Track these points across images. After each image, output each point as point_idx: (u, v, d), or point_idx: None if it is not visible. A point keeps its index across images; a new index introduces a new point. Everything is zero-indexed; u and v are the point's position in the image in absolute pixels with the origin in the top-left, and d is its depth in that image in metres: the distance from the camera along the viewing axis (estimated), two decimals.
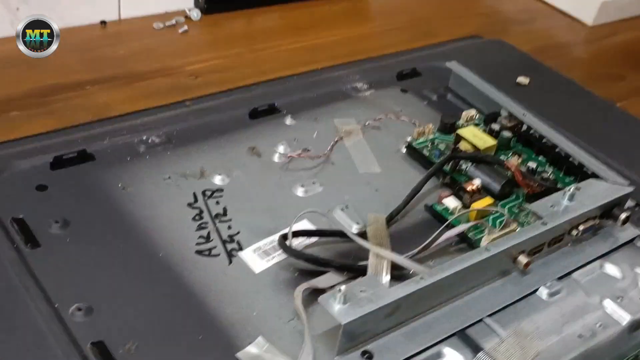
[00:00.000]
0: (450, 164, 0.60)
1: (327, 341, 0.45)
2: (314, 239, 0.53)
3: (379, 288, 0.45)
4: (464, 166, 0.60)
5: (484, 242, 0.52)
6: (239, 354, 0.44)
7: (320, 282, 0.48)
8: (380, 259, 0.50)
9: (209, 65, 0.83)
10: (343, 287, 0.44)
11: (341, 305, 0.43)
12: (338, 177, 0.60)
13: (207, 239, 0.52)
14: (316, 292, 0.48)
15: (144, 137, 0.60)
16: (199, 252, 0.51)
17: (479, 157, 0.60)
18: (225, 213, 0.54)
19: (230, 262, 0.50)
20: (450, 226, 0.53)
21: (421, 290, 0.46)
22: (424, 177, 0.58)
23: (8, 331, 0.42)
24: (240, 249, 0.51)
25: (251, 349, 0.44)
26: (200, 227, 0.53)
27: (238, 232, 0.53)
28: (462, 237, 0.54)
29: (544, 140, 0.63)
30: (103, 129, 0.60)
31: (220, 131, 0.62)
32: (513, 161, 0.60)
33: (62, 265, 0.48)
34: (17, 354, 0.41)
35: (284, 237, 0.50)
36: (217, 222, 0.53)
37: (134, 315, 0.45)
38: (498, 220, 0.55)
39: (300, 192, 0.57)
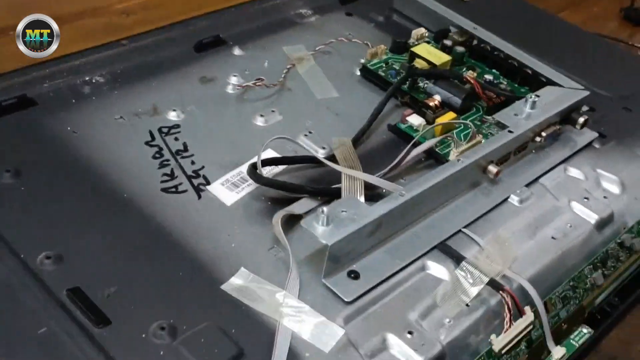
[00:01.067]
0: (408, 82, 0.59)
1: (311, 265, 0.44)
2: (281, 168, 0.51)
3: (360, 207, 0.45)
4: (421, 84, 0.59)
5: (452, 156, 0.52)
6: (223, 286, 0.42)
7: (296, 208, 0.47)
8: (353, 180, 0.49)
9: (139, 3, 0.78)
10: (325, 209, 0.43)
11: (324, 227, 0.42)
12: (296, 104, 0.58)
13: (172, 176, 0.49)
14: (291, 219, 0.47)
15: (87, 78, 0.57)
16: (165, 190, 0.48)
17: (437, 73, 0.59)
18: (186, 148, 0.52)
19: (200, 196, 0.48)
20: (417, 143, 0.52)
21: (401, 206, 0.45)
22: (384, 97, 0.57)
23: None
24: (208, 183, 0.49)
25: (235, 280, 0.43)
26: (162, 165, 0.50)
27: (202, 167, 0.50)
28: (429, 153, 0.54)
29: (496, 53, 0.63)
30: (41, 73, 0.56)
31: (168, 67, 0.60)
32: (471, 74, 0.59)
33: (21, 216, 0.45)
34: None
35: (254, 167, 0.48)
36: (179, 158, 0.51)
37: (107, 259, 0.43)
38: (463, 134, 0.55)
39: (260, 121, 0.55)
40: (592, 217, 0.52)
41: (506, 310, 0.44)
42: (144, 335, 0.39)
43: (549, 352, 0.47)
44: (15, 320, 0.39)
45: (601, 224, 0.52)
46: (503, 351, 0.44)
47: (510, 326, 0.44)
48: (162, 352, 0.38)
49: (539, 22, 0.76)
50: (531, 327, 0.45)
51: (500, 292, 0.45)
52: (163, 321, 0.39)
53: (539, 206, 0.52)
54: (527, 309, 0.45)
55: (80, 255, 0.43)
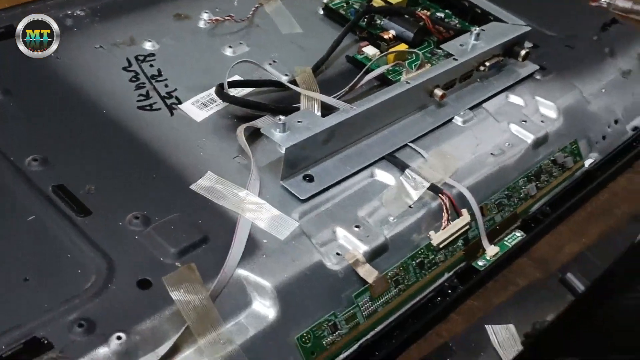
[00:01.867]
0: (366, 18, 0.64)
1: (271, 170, 0.49)
2: (248, 90, 0.56)
3: (314, 118, 0.50)
4: (379, 21, 0.64)
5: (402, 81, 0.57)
6: (192, 186, 0.47)
7: (258, 123, 0.52)
8: (311, 100, 0.54)
9: None
10: (283, 118, 0.48)
11: (282, 133, 0.48)
12: (263, 38, 0.63)
13: (147, 96, 0.55)
14: (256, 135, 0.52)
15: (69, 12, 0.61)
16: (141, 108, 0.53)
17: (392, 10, 0.64)
18: (160, 74, 0.57)
19: (172, 114, 0.53)
20: (370, 70, 0.58)
21: (352, 119, 0.50)
22: (343, 30, 0.62)
23: None
24: (180, 102, 0.54)
25: (203, 181, 0.48)
26: (138, 87, 0.55)
27: (175, 89, 0.56)
28: (383, 80, 0.59)
29: None
30: (27, 8, 0.61)
31: (144, 3, 0.64)
32: (424, 11, 0.64)
33: (10, 126, 0.50)
34: None
35: (221, 86, 0.53)
36: (154, 81, 0.56)
37: (88, 163, 0.48)
38: (414, 64, 0.60)
39: (228, 52, 0.60)
40: (529, 137, 0.58)
41: (444, 211, 0.50)
42: (120, 224, 0.44)
43: (484, 250, 0.53)
44: (6, 212, 0.44)
45: (537, 143, 0.58)
46: (441, 246, 0.50)
47: (448, 224, 0.50)
48: (136, 237, 0.43)
49: None
50: (467, 227, 0.51)
51: (440, 195, 0.50)
52: (138, 212, 0.45)
53: (481, 127, 0.57)
54: (464, 211, 0.51)
55: (64, 158, 0.48)
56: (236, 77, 0.57)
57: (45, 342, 0.37)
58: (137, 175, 0.48)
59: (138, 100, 0.54)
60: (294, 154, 0.48)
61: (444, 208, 0.50)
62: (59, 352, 0.37)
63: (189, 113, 0.54)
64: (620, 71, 0.68)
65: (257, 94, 0.57)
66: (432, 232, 0.50)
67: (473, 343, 0.49)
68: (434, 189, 0.50)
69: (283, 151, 0.47)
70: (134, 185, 0.47)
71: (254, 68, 0.58)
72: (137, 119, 0.52)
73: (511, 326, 0.50)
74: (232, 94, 0.55)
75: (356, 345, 0.45)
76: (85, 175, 0.47)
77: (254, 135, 0.52)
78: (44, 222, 0.43)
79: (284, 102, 0.56)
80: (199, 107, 0.54)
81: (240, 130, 0.51)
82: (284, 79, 0.58)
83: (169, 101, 0.54)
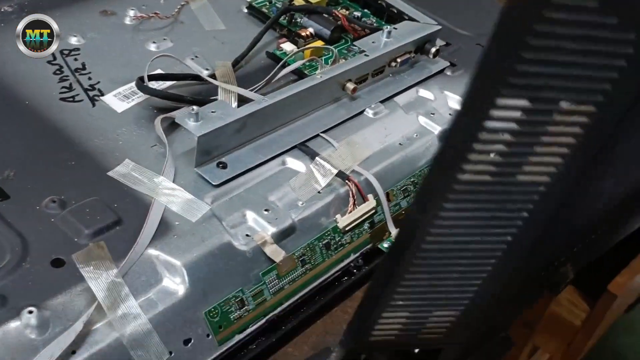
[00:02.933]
0: (286, 17, 0.67)
1: (187, 158, 0.52)
2: (170, 83, 0.59)
3: (227, 109, 0.53)
4: (299, 19, 0.68)
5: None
6: (109, 173, 0.50)
7: (176, 114, 0.55)
8: (228, 93, 0.57)
9: None
10: (196, 107, 0.51)
11: (195, 122, 0.50)
12: (187, 34, 0.66)
13: (70, 88, 0.57)
14: (174, 126, 0.55)
15: None
16: (64, 99, 0.56)
17: (311, 8, 0.68)
18: (84, 67, 0.59)
19: (94, 105, 0.56)
20: (287, 64, 0.61)
21: (264, 110, 0.54)
22: (263, 27, 0.65)
23: None
24: (102, 94, 0.57)
25: (120, 168, 0.50)
26: (61, 80, 0.57)
27: (98, 82, 0.58)
28: (299, 75, 0.62)
29: None
30: None
31: (70, 0, 0.66)
32: (342, 10, 0.68)
33: None
34: None
35: (141, 79, 0.56)
36: (78, 75, 0.58)
37: (8, 149, 0.50)
38: (330, 59, 0.63)
39: (152, 47, 0.63)
40: (436, 129, 0.62)
41: (351, 196, 0.54)
42: (37, 207, 0.46)
43: (390, 233, 0.56)
44: None
45: (443, 135, 0.62)
46: (347, 228, 0.53)
47: (354, 209, 0.54)
48: (52, 220, 0.46)
49: None
50: (373, 211, 0.55)
51: (347, 181, 0.54)
52: (55, 197, 0.47)
53: (390, 119, 0.61)
54: (370, 196, 0.55)
55: None
56: (159, 71, 0.60)
57: None
58: (57, 162, 0.50)
59: (61, 92, 0.56)
60: (206, 142, 0.51)
61: (351, 194, 0.54)
62: None
63: (110, 104, 0.56)
64: None
65: (178, 87, 0.59)
66: (338, 216, 0.53)
67: None
68: (342, 175, 0.54)
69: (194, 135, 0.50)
70: (53, 172, 0.50)
71: (176, 63, 0.61)
72: (59, 110, 0.55)
73: None
74: (154, 87, 0.58)
75: (263, 320, 0.48)
76: (5, 160, 0.49)
77: (173, 126, 0.55)
78: None
79: (203, 96, 0.58)
80: (121, 99, 0.57)
81: (158, 120, 0.53)
82: (204, 73, 0.61)
83: (91, 93, 0.57)
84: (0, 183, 0.47)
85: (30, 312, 0.40)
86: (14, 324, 0.40)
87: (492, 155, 0.27)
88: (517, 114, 0.26)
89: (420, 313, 0.35)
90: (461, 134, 0.26)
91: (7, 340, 0.39)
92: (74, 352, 0.41)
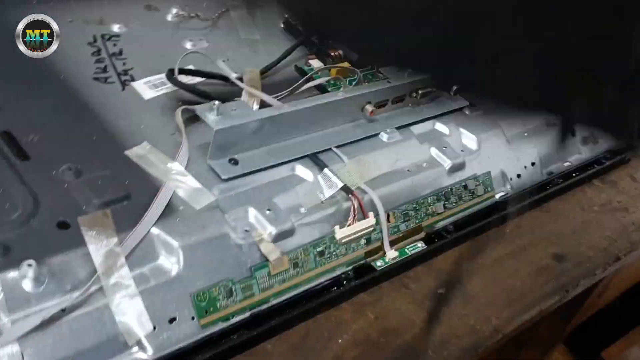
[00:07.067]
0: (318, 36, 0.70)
1: (201, 151, 0.54)
2: (198, 80, 0.62)
3: (247, 109, 0.55)
4: (330, 40, 0.71)
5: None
6: (126, 152, 0.52)
7: (197, 108, 0.57)
8: (251, 97, 0.59)
9: None
10: (218, 102, 0.53)
11: (215, 116, 0.53)
12: (222, 38, 0.69)
13: (104, 70, 0.60)
14: (197, 119, 0.57)
15: None
16: (96, 79, 0.59)
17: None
18: (120, 53, 0.62)
19: (124, 89, 0.59)
20: (312, 79, 0.64)
21: (282, 116, 0.56)
22: (295, 42, 0.68)
23: None
24: (133, 80, 0.60)
25: (137, 149, 0.53)
26: (98, 61, 0.61)
27: (132, 68, 0.61)
28: (322, 90, 0.65)
29: None
30: None
31: None
32: None
33: None
34: None
35: (171, 71, 0.59)
36: (114, 59, 0.61)
37: (37, 115, 0.53)
38: (353, 81, 0.66)
39: (188, 44, 0.66)
40: (446, 162, 0.63)
41: (352, 211, 0.55)
42: (54, 172, 0.49)
43: (385, 253, 0.58)
44: None
45: (452, 169, 0.63)
46: (343, 241, 0.55)
47: (353, 223, 0.55)
48: (66, 185, 0.48)
49: None
50: (371, 229, 0.56)
51: (350, 196, 0.56)
52: (72, 165, 0.50)
53: (403, 145, 0.63)
54: (371, 214, 0.56)
55: (15, 109, 0.53)
56: (191, 67, 0.63)
57: None
58: (79, 134, 0.53)
59: (95, 72, 0.59)
60: (223, 136, 0.53)
61: (352, 208, 0.55)
62: None
63: (139, 90, 0.59)
64: (545, 121, 0.74)
65: (206, 85, 0.62)
66: (337, 227, 0.55)
67: None
68: (347, 190, 0.56)
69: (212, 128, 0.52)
70: (74, 142, 0.52)
71: (208, 62, 0.63)
72: (90, 87, 0.58)
73: None
74: (183, 81, 0.60)
75: (248, 314, 0.50)
76: (32, 125, 0.52)
77: (194, 120, 0.57)
78: None
79: (228, 96, 0.61)
80: (150, 87, 0.59)
81: (179, 110, 0.56)
82: (232, 76, 0.63)
83: (123, 77, 0.60)
84: (24, 145, 0.50)
85: (30, 265, 0.42)
86: (12, 274, 0.42)
87: None
88: None
89: None
90: None
91: (2, 288, 0.42)
92: (63, 310, 0.43)
